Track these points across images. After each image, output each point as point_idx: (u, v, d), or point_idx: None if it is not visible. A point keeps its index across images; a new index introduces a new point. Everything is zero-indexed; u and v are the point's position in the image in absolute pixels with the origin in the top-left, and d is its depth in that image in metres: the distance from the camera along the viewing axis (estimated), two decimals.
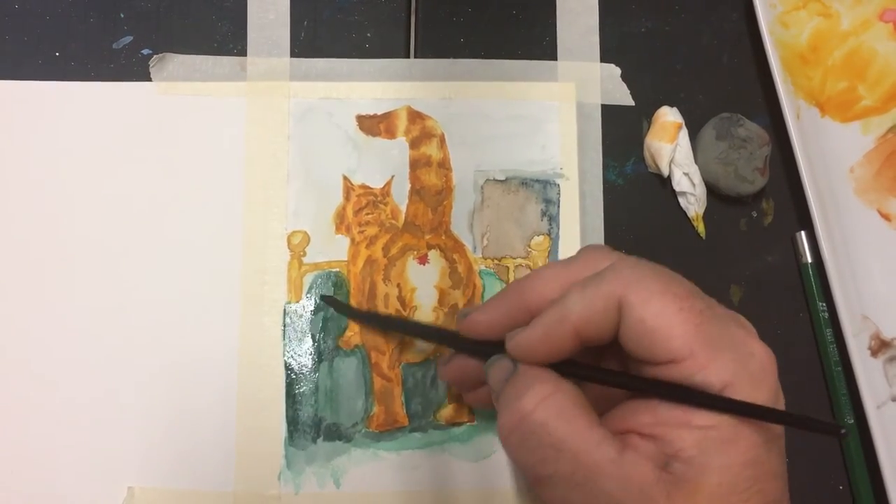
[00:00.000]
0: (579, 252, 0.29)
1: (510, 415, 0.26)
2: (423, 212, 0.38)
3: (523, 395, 0.26)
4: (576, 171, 0.38)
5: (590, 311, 0.26)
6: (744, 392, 0.24)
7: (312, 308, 0.37)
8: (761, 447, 0.24)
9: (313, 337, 0.37)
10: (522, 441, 0.26)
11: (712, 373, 0.24)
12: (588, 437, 0.25)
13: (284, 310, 0.37)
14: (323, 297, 0.36)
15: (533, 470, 0.26)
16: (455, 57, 0.40)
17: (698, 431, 0.24)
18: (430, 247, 0.38)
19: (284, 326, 0.37)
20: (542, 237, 0.38)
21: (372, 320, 0.36)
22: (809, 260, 0.38)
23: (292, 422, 0.36)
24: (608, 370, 0.28)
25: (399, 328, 0.36)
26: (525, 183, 0.38)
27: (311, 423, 0.36)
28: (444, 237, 0.38)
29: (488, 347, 0.29)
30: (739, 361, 0.24)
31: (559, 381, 0.27)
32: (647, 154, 0.39)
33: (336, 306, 0.36)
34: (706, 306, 0.25)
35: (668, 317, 0.24)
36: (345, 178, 0.38)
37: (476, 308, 0.30)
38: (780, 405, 0.25)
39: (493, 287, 0.37)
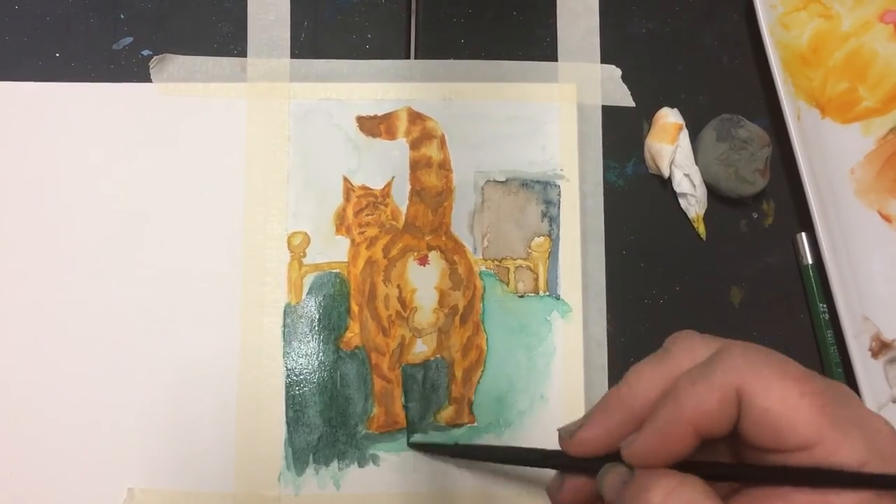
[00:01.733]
0: (668, 341, 0.28)
1: None
2: (424, 213, 0.38)
3: (648, 491, 0.25)
4: (576, 173, 0.38)
5: (706, 406, 0.25)
6: (878, 469, 0.23)
7: (312, 309, 0.37)
8: None
9: (313, 338, 0.37)
10: None
11: (845, 455, 0.23)
12: None
13: (285, 311, 0.37)
14: (411, 445, 0.36)
15: None
16: (455, 58, 0.40)
17: None
18: (430, 248, 0.38)
19: (284, 327, 0.37)
20: (542, 238, 0.38)
21: (470, 453, 0.35)
22: (810, 261, 0.38)
23: (292, 423, 0.36)
24: (734, 465, 0.27)
25: (500, 458, 0.35)
26: (525, 184, 0.38)
27: (311, 424, 0.36)
28: (444, 238, 0.38)
29: (599, 462, 0.28)
30: (869, 439, 0.23)
31: (681, 474, 0.25)
32: (647, 155, 0.39)
33: (425, 450, 0.36)
34: (826, 386, 0.24)
35: (792, 402, 0.23)
36: (345, 179, 0.38)
37: (578, 426, 0.29)
38: None
39: (494, 288, 0.37)
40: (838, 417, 0.24)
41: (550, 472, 0.30)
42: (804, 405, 0.23)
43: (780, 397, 0.24)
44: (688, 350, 0.27)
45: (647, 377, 0.27)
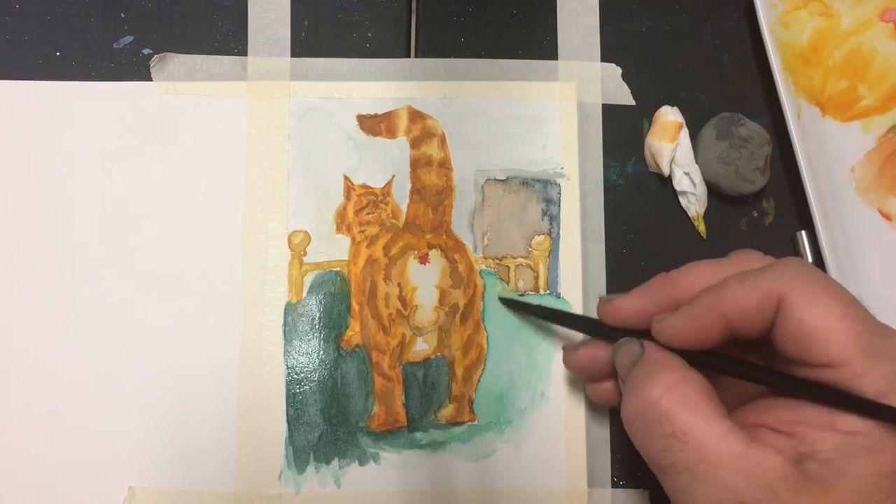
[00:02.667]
0: (732, 253, 0.29)
1: (634, 401, 0.26)
2: (424, 211, 0.38)
3: (649, 382, 0.26)
4: (576, 171, 0.38)
5: (746, 303, 0.25)
6: None
7: (313, 307, 0.37)
8: None
9: (314, 336, 0.37)
10: (646, 428, 0.26)
11: (867, 382, 0.24)
12: (713, 428, 0.25)
13: (285, 309, 0.37)
14: (503, 301, 0.36)
15: (655, 458, 0.26)
16: (456, 56, 0.40)
17: (842, 436, 0.24)
18: (430, 246, 0.38)
19: (285, 326, 0.37)
20: (542, 237, 0.38)
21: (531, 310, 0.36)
22: (810, 259, 0.38)
23: (293, 421, 0.36)
24: (755, 365, 0.27)
25: (546, 316, 0.36)
26: (526, 182, 0.38)
27: (312, 422, 0.36)
28: (444, 237, 0.38)
29: (626, 335, 0.29)
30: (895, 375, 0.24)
31: (686, 370, 0.26)
32: (647, 154, 0.39)
33: (514, 306, 0.36)
34: (869, 316, 0.25)
35: (829, 320, 0.24)
36: (345, 177, 0.38)
37: (620, 294, 0.30)
38: None
39: (494, 286, 0.37)
40: (872, 345, 0.24)
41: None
42: (841, 326, 0.24)
43: (819, 313, 0.24)
44: (745, 260, 0.28)
45: (700, 270, 0.29)
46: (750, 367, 0.27)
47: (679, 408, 0.25)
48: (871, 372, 0.24)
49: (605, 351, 0.31)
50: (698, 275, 0.28)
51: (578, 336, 0.36)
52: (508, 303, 0.37)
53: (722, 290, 0.26)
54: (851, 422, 0.24)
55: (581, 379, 0.35)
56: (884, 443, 0.24)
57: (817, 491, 0.23)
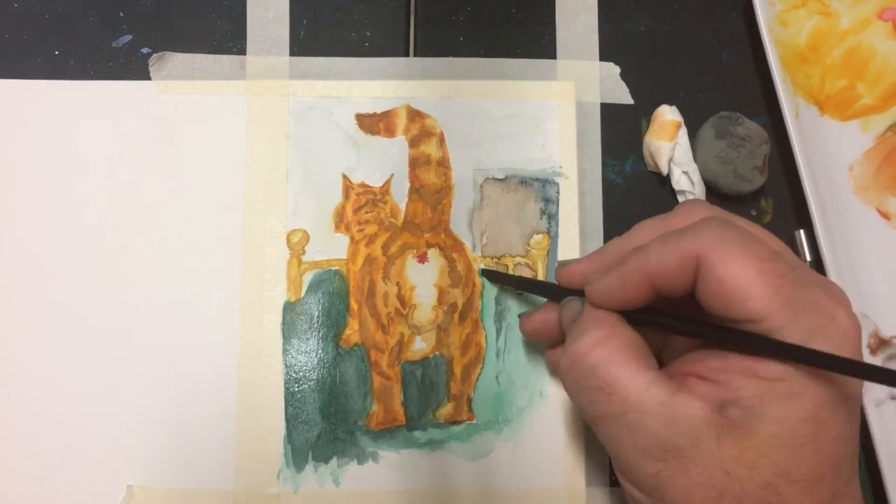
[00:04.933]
0: (678, 205, 0.30)
1: (566, 355, 0.28)
2: (423, 210, 0.38)
3: (578, 337, 0.27)
4: (575, 170, 0.38)
5: (666, 265, 0.26)
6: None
7: (311, 306, 0.37)
8: (826, 406, 0.24)
9: (313, 335, 0.37)
10: (576, 382, 0.27)
11: (787, 333, 0.24)
12: (638, 379, 0.26)
13: (284, 308, 0.37)
14: (482, 272, 0.37)
15: (586, 410, 0.27)
16: (454, 55, 0.40)
17: (763, 382, 0.24)
18: (429, 245, 0.38)
19: (284, 325, 0.37)
20: (541, 236, 0.38)
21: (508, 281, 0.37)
22: (808, 258, 0.38)
23: (292, 420, 0.36)
24: (681, 318, 0.28)
25: (521, 285, 0.37)
26: (524, 181, 0.38)
27: (311, 421, 0.36)
28: (443, 236, 0.38)
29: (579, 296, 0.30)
30: (818, 324, 0.24)
31: (616, 325, 0.27)
32: (646, 153, 0.39)
33: (492, 277, 0.37)
34: (789, 269, 0.25)
35: (746, 278, 0.25)
36: (344, 176, 0.38)
37: (574, 260, 0.31)
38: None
39: (492, 285, 0.37)
40: (791, 298, 0.24)
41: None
42: (758, 282, 0.24)
43: (735, 271, 0.25)
44: (688, 214, 0.29)
45: (645, 230, 0.29)
46: (680, 320, 0.28)
47: (605, 361, 0.26)
48: (792, 323, 0.24)
49: (555, 317, 0.32)
50: (646, 233, 0.29)
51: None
52: (489, 274, 0.37)
53: (646, 251, 0.27)
54: (772, 368, 0.24)
55: (536, 341, 0.36)
56: (804, 388, 0.24)
57: (739, 436, 0.24)
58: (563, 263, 0.32)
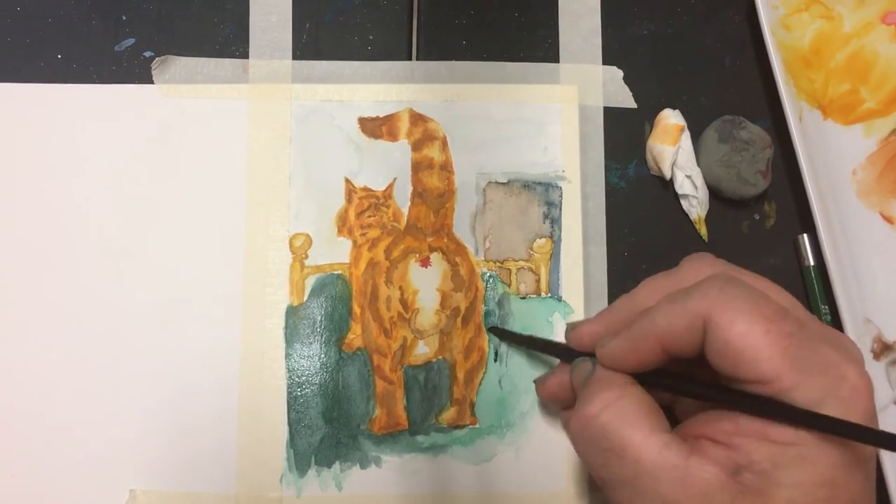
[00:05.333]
0: (684, 260, 0.30)
1: (577, 418, 0.27)
2: (426, 214, 0.38)
3: (589, 399, 0.27)
4: (578, 174, 0.38)
5: (674, 327, 0.26)
6: (832, 413, 0.24)
7: (314, 310, 0.37)
8: (841, 469, 0.24)
9: (315, 339, 0.37)
10: (588, 444, 0.27)
11: (797, 395, 0.24)
12: (650, 442, 0.25)
13: (286, 312, 0.37)
14: (490, 329, 0.37)
15: (598, 473, 0.27)
16: (457, 59, 0.40)
17: (776, 446, 0.24)
18: (432, 249, 0.38)
19: (286, 329, 0.37)
20: (544, 240, 0.38)
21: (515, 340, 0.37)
22: (812, 263, 0.38)
23: (294, 424, 0.36)
24: (691, 380, 0.28)
25: (529, 344, 0.36)
26: (527, 185, 0.38)
27: (313, 425, 0.36)
28: (446, 240, 0.38)
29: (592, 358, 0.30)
30: (828, 384, 0.24)
31: (627, 386, 0.27)
32: (649, 156, 0.39)
33: (501, 335, 0.37)
34: (797, 328, 0.25)
35: (754, 338, 0.24)
36: (347, 180, 0.38)
37: (584, 321, 0.31)
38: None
39: (496, 289, 0.37)
40: (800, 359, 0.24)
41: None
42: (766, 343, 0.24)
43: (742, 332, 0.24)
44: (693, 270, 0.29)
45: (652, 288, 0.29)
46: (690, 383, 0.28)
47: (617, 423, 0.26)
48: (802, 384, 0.24)
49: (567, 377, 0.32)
50: (653, 291, 0.29)
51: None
52: (497, 332, 0.37)
53: (654, 314, 0.27)
54: (784, 432, 0.24)
55: (554, 405, 0.35)
56: (818, 452, 0.24)
57: (754, 501, 0.24)
58: (573, 326, 0.31)
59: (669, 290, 0.28)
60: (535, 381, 0.35)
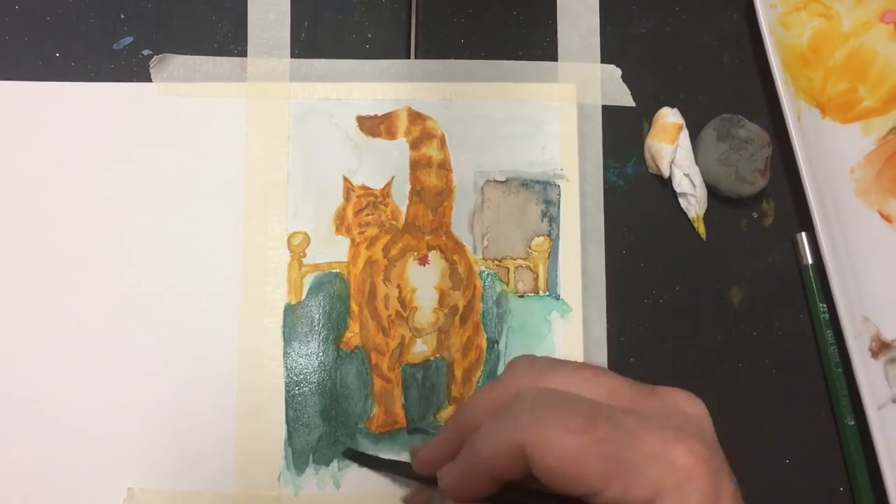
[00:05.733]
0: (507, 366, 0.29)
1: None
2: (424, 213, 0.38)
3: None
4: (576, 173, 0.38)
5: (496, 459, 0.26)
6: (672, 501, 0.23)
7: (312, 309, 0.37)
8: None
9: (313, 338, 0.37)
10: None
11: (634, 495, 0.23)
12: None
13: (285, 311, 0.37)
14: (344, 453, 0.36)
15: None
16: (455, 58, 0.40)
17: None
18: (430, 248, 0.38)
19: (284, 327, 0.37)
20: (542, 238, 0.38)
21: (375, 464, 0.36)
22: (810, 261, 0.38)
23: (292, 423, 0.36)
24: (535, 494, 0.27)
25: (385, 468, 0.36)
26: (525, 184, 0.38)
27: (311, 424, 0.36)
28: (444, 238, 0.38)
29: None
30: (658, 477, 0.23)
31: None
32: (647, 155, 0.39)
33: (356, 459, 0.36)
34: (612, 428, 0.24)
35: (573, 457, 0.24)
36: (345, 178, 0.38)
37: (424, 443, 0.32)
38: (724, 493, 0.24)
39: (494, 287, 0.37)
40: (624, 461, 0.24)
41: None
42: (585, 457, 0.24)
43: (560, 453, 0.24)
44: (515, 378, 0.28)
45: (480, 403, 0.29)
46: (537, 498, 0.27)
47: None
48: (633, 487, 0.23)
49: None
50: (482, 405, 0.28)
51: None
52: (352, 455, 0.36)
53: (476, 445, 0.26)
54: None
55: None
56: None
57: None
58: (414, 451, 0.32)
59: (496, 402, 0.27)
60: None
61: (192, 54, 0.39)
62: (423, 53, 0.40)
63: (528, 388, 0.27)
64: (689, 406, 0.26)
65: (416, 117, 0.39)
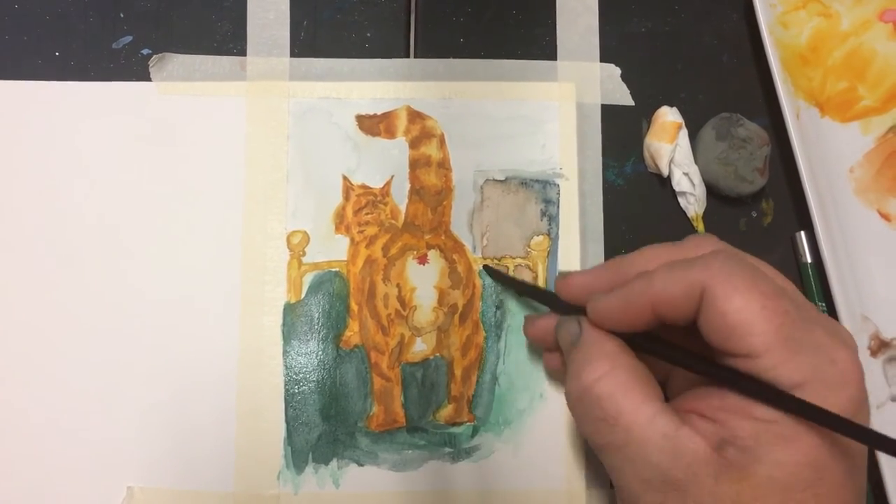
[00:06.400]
0: (689, 236, 0.30)
1: (572, 386, 0.28)
2: (423, 212, 0.38)
3: (585, 368, 0.27)
4: (575, 171, 0.38)
5: (670, 292, 0.26)
6: (816, 396, 0.24)
7: (312, 308, 0.37)
8: (824, 451, 0.24)
9: (313, 337, 0.37)
10: (583, 412, 0.27)
11: (784, 372, 0.24)
12: (642, 412, 0.26)
13: (284, 309, 0.37)
14: (485, 268, 0.37)
15: (591, 439, 0.27)
16: (455, 57, 0.40)
17: (758, 423, 0.24)
18: (429, 247, 0.38)
19: (284, 326, 0.37)
20: (541, 237, 0.38)
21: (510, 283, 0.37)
22: (809, 260, 0.38)
23: (292, 421, 0.36)
24: (679, 349, 0.28)
25: (520, 289, 0.37)
26: (525, 183, 0.38)
27: (311, 422, 0.36)
28: (443, 237, 0.38)
29: (578, 310, 0.30)
30: (816, 366, 0.24)
31: (619, 355, 0.28)
32: (646, 154, 0.39)
33: (494, 276, 0.37)
34: (794, 308, 0.25)
35: (748, 313, 0.24)
36: (344, 177, 0.38)
37: (577, 271, 0.31)
38: (861, 417, 0.25)
39: (493, 286, 0.37)
40: (791, 338, 0.24)
41: None
42: (760, 318, 0.24)
43: (738, 306, 0.25)
44: (696, 245, 0.29)
45: (651, 253, 0.29)
46: (677, 351, 0.28)
47: (611, 392, 0.26)
48: (789, 362, 0.24)
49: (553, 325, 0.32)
50: (650, 258, 0.29)
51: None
52: (490, 271, 0.37)
53: (652, 276, 0.27)
54: (766, 410, 0.24)
55: (537, 345, 0.36)
56: (798, 432, 0.24)
57: (737, 476, 0.24)
58: (564, 275, 0.32)
59: (667, 259, 0.28)
60: (525, 317, 0.35)
61: (191, 53, 0.39)
62: (422, 52, 0.40)
63: (720, 249, 0.27)
64: (848, 335, 0.26)
65: (415, 116, 0.39)
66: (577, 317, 0.30)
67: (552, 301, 0.33)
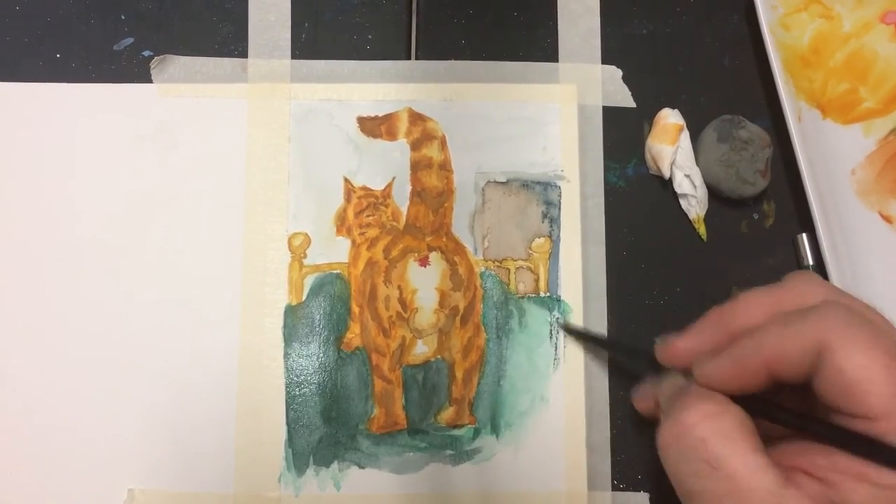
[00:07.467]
0: (787, 278, 0.28)
1: (671, 425, 0.26)
2: (424, 214, 0.38)
3: (687, 409, 0.26)
4: (577, 173, 0.38)
5: (786, 351, 0.25)
6: None
7: (313, 310, 0.37)
8: None
9: (314, 339, 0.37)
10: (679, 453, 0.26)
11: None
12: (749, 461, 0.24)
13: (285, 312, 0.37)
14: (563, 327, 0.37)
15: (684, 483, 0.26)
16: (456, 59, 0.40)
17: (876, 488, 0.23)
18: (430, 249, 0.38)
19: (285, 328, 0.37)
20: (543, 239, 0.38)
21: (594, 341, 0.36)
22: (811, 262, 0.38)
23: (293, 424, 0.36)
24: (796, 412, 0.27)
25: (609, 347, 0.37)
26: (526, 185, 0.38)
27: (312, 425, 0.36)
28: (444, 239, 0.38)
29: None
30: None
31: (728, 402, 0.26)
32: (648, 156, 0.39)
33: (573, 333, 0.36)
34: None
35: (871, 371, 0.23)
36: (346, 179, 0.38)
37: (676, 335, 0.30)
38: None
39: (495, 288, 0.37)
40: None
41: None
42: (883, 378, 0.23)
43: (860, 363, 0.23)
44: (800, 290, 0.27)
45: (754, 303, 0.28)
46: (789, 412, 0.27)
47: (715, 436, 0.25)
48: None
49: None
50: (753, 307, 0.28)
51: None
52: (569, 330, 0.36)
53: (764, 335, 0.26)
54: (886, 475, 0.23)
55: (649, 418, 0.34)
56: None
57: None
58: (665, 341, 0.30)
59: (773, 309, 0.27)
60: (633, 394, 0.34)
61: (192, 55, 0.39)
62: (423, 54, 0.40)
63: (831, 301, 0.26)
64: None
65: (416, 118, 0.39)
66: (682, 375, 0.28)
67: (649, 363, 0.32)
